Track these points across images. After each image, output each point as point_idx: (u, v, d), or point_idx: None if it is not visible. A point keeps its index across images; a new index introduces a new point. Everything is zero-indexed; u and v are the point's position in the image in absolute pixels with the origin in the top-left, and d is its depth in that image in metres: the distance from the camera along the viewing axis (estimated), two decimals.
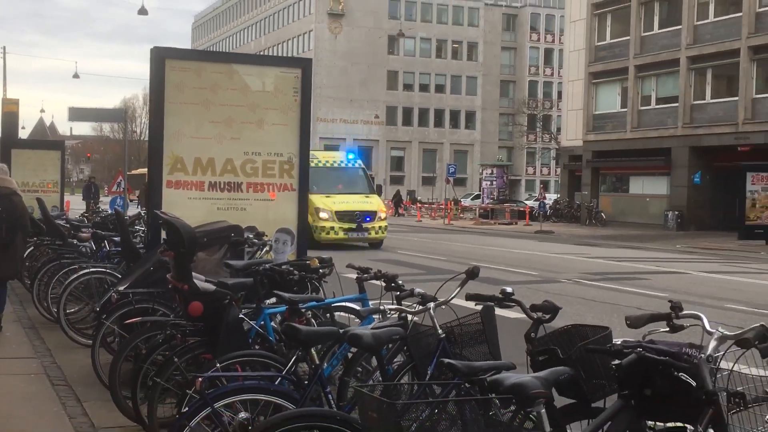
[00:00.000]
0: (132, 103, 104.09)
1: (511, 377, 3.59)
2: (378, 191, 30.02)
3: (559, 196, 54.61)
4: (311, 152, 28.43)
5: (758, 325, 3.75)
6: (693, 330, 4.19)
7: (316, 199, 25.28)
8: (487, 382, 3.66)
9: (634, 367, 3.78)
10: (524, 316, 4.97)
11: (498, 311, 5.55)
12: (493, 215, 50.33)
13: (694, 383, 3.65)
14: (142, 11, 51.10)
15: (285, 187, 9.07)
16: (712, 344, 3.83)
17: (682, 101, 40.59)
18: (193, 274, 5.71)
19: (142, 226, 12.34)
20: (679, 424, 3.86)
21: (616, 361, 3.85)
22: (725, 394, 3.58)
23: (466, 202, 65.66)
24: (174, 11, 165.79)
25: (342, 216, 25.83)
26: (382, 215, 26.86)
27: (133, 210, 24.84)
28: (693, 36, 40.27)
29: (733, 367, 3.70)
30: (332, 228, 25.69)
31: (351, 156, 29.24)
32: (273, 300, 6.53)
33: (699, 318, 4.18)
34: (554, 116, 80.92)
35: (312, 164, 26.61)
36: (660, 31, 42.48)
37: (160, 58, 8.64)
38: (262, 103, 8.99)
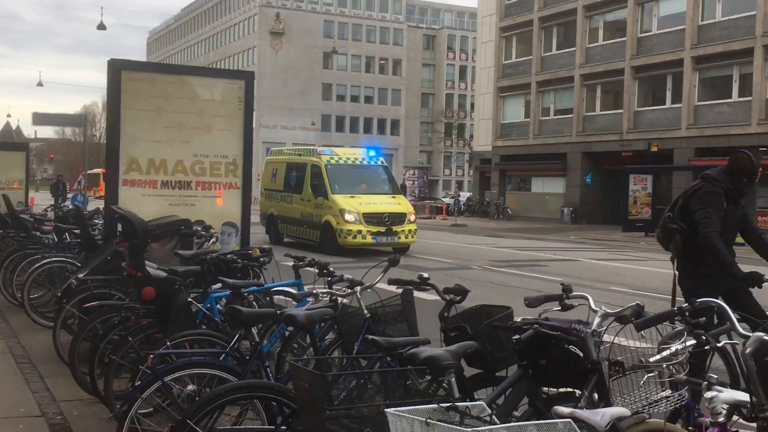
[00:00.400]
0: (92, 110, 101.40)
1: (426, 351, 3.62)
2: (403, 191, 24.87)
3: (471, 194, 55.18)
4: (331, 149, 23.37)
5: (634, 304, 3.86)
6: (581, 309, 4.29)
7: (340, 200, 20.79)
8: (406, 356, 3.69)
9: (532, 340, 3.85)
10: (439, 298, 5.02)
11: (416, 294, 5.58)
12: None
13: (581, 354, 3.74)
14: (101, 27, 49.76)
15: (230, 185, 8.98)
16: (597, 321, 3.94)
17: (576, 113, 41.43)
18: (146, 262, 5.62)
19: (100, 220, 12.05)
20: (569, 389, 3.95)
21: (517, 336, 3.92)
22: (607, 363, 3.67)
23: None
24: (131, 27, 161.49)
25: (370, 219, 20.53)
26: (412, 218, 21.69)
27: (93, 205, 24.16)
28: (585, 57, 41.13)
29: (613, 339, 3.79)
30: (359, 231, 20.36)
31: (372, 153, 23.18)
32: (218, 285, 6.45)
33: (586, 298, 4.30)
34: (467, 125, 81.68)
35: (332, 161, 21.87)
36: (557, 52, 43.26)
37: (117, 69, 8.46)
38: (210, 110, 8.89)
